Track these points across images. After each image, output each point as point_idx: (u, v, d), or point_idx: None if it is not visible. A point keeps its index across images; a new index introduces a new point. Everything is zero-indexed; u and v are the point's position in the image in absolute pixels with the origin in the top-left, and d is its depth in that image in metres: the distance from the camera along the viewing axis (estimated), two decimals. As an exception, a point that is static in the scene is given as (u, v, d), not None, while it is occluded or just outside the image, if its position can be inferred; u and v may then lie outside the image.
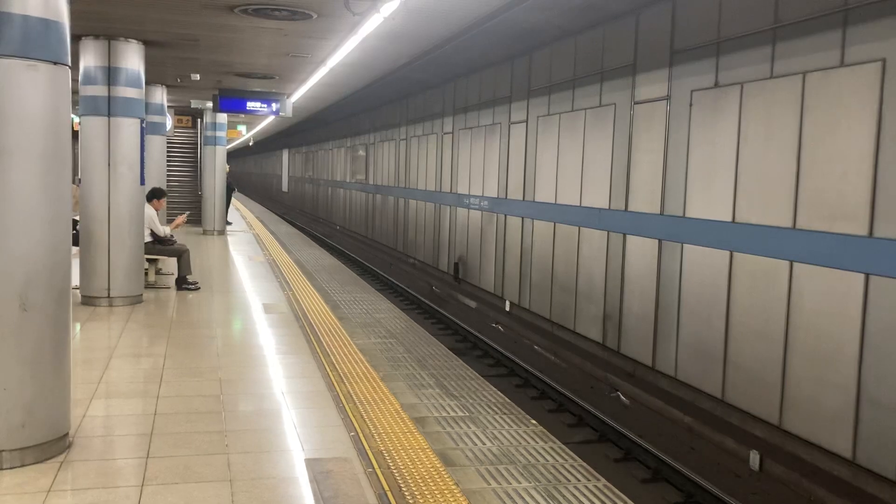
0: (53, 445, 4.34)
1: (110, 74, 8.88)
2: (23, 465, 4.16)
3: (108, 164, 8.81)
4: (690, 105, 8.20)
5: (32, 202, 4.18)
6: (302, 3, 7.69)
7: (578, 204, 10.53)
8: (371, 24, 8.45)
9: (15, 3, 4.06)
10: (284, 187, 43.03)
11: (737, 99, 7.51)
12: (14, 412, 4.14)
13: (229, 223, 20.36)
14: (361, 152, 24.55)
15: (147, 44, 9.43)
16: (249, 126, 28.48)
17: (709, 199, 7.89)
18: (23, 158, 4.14)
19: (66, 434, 4.48)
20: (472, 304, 14.37)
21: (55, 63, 4.26)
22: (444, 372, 6.45)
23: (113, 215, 8.86)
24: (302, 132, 34.64)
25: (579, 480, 4.18)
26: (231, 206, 22.33)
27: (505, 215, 13.13)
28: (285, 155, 42.20)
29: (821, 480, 6.22)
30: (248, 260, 14.00)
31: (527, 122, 12.28)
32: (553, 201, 11.28)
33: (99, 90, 8.83)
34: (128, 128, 8.92)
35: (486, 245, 13.97)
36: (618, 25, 9.62)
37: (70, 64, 4.45)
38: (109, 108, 8.82)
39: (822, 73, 6.49)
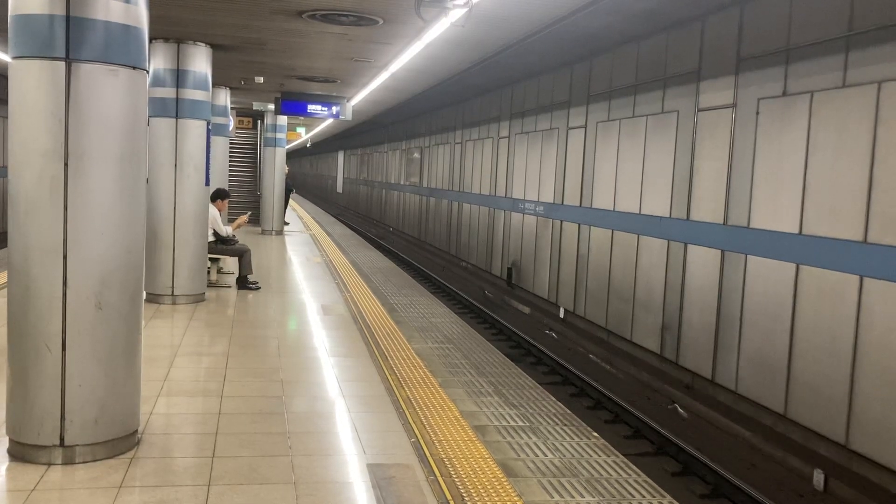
0: (124, 441, 4.43)
1: (179, 77, 9.06)
2: (94, 460, 4.26)
3: (175, 165, 9.00)
4: (757, 113, 8.04)
5: (109, 204, 4.27)
6: (369, 9, 7.75)
7: (638, 212, 10.41)
8: (436, 30, 8.48)
9: (98, 9, 4.15)
10: (339, 188, 43.48)
11: (806, 108, 7.34)
12: (88, 408, 4.25)
13: (287, 223, 20.63)
14: (416, 155, 24.66)
15: (214, 47, 9.61)
16: (308, 128, 28.80)
17: (775, 209, 7.73)
18: (101, 162, 4.21)
19: (136, 431, 4.58)
20: (526, 309, 14.30)
21: (134, 68, 4.34)
22: (502, 380, 6.43)
23: (178, 215, 9.04)
24: (357, 134, 34.97)
25: (644, 497, 4.11)
26: (288, 206, 22.63)
27: (561, 221, 13.05)
28: (340, 156, 42.65)
29: (890, 504, 6.04)
30: (306, 261, 14.16)
31: (585, 127, 12.19)
32: (611, 208, 11.17)
33: (168, 92, 9.01)
34: (194, 129, 9.10)
35: (541, 251, 13.89)
36: (682, 31, 9.49)
37: (147, 69, 4.55)
38: (177, 109, 9.00)
39: (899, 83, 6.30)
